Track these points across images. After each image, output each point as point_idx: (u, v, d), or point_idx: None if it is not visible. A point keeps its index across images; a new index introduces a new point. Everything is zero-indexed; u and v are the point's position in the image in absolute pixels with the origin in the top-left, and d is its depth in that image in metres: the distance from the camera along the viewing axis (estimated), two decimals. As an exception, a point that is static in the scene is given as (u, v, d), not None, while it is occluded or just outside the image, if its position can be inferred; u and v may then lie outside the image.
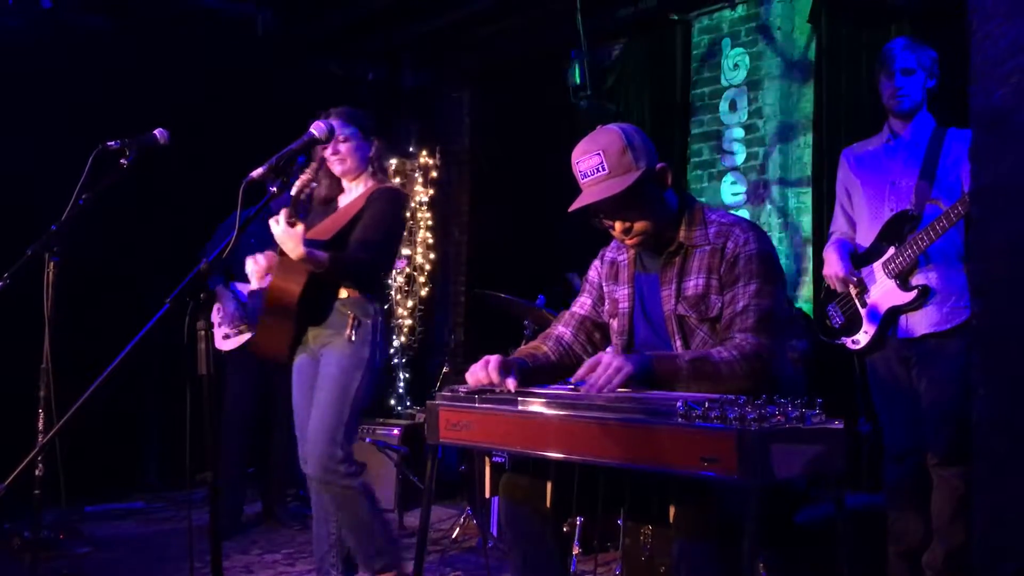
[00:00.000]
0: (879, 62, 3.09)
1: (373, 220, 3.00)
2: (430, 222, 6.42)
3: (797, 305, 4.61)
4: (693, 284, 2.19)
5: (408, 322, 6.31)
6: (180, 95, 4.89)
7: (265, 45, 5.66)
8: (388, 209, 3.03)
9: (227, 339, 4.40)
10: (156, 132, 2.82)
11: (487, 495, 4.14)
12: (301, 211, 2.92)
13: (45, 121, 4.64)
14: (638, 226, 2.20)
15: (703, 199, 5.22)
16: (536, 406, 1.87)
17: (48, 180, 3.35)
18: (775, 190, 5.00)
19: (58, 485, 2.69)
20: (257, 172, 2.19)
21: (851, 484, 3.72)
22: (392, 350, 6.22)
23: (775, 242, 4.87)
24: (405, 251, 6.31)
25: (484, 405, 1.97)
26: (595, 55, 5.18)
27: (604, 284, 2.42)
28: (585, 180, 2.18)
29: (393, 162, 6.31)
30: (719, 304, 2.16)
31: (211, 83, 5.21)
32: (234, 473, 4.46)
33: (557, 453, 1.83)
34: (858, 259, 3.14)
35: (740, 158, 5.16)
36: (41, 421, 2.67)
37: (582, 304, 2.45)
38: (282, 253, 2.88)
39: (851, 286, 3.10)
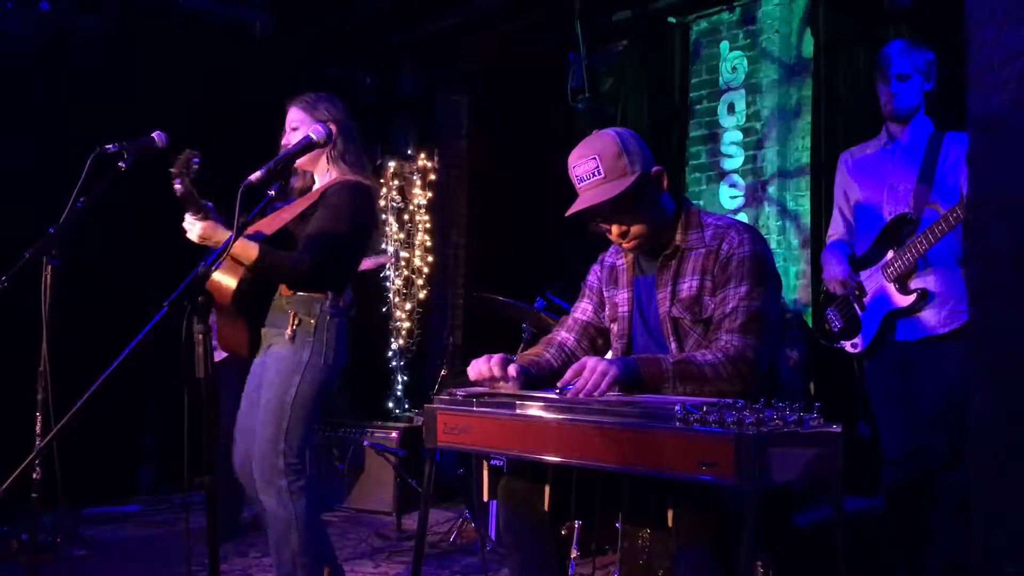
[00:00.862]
0: (876, 66, 3.09)
1: (323, 217, 2.76)
2: (428, 225, 6.41)
3: (794, 310, 4.61)
4: (687, 286, 2.19)
5: (406, 325, 6.30)
6: (178, 97, 4.89)
7: (264, 48, 5.66)
8: (342, 205, 2.77)
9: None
10: (154, 135, 2.79)
11: (485, 498, 4.13)
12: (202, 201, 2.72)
13: (44, 123, 4.64)
14: (634, 229, 2.20)
15: (701, 202, 5.23)
16: (534, 410, 1.87)
17: (47, 182, 3.34)
18: (773, 193, 5.01)
19: (56, 488, 2.68)
20: (255, 176, 2.19)
21: (850, 487, 3.72)
22: (390, 353, 6.22)
23: (773, 245, 4.87)
24: (404, 254, 6.32)
25: (482, 409, 1.96)
26: (593, 58, 5.17)
27: (604, 289, 2.42)
28: (581, 184, 2.18)
29: (392, 165, 6.31)
30: (712, 305, 2.16)
31: (209, 85, 5.21)
32: (232, 476, 4.45)
33: (555, 457, 1.83)
34: (857, 263, 3.14)
35: (738, 160, 5.16)
36: (39, 424, 2.66)
37: (583, 310, 2.45)
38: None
39: (851, 289, 3.11)
